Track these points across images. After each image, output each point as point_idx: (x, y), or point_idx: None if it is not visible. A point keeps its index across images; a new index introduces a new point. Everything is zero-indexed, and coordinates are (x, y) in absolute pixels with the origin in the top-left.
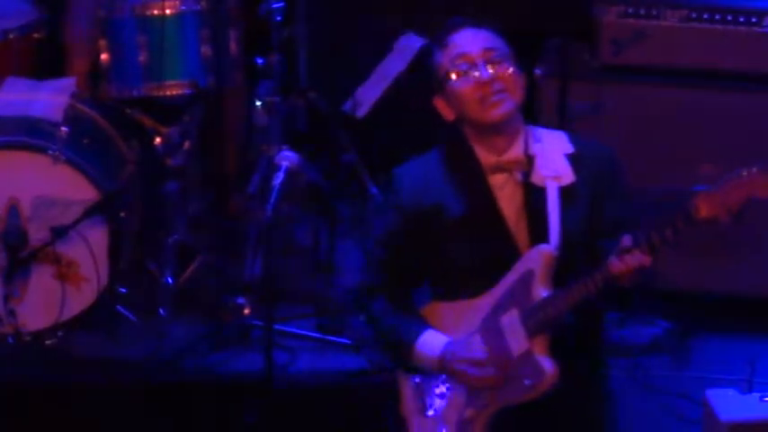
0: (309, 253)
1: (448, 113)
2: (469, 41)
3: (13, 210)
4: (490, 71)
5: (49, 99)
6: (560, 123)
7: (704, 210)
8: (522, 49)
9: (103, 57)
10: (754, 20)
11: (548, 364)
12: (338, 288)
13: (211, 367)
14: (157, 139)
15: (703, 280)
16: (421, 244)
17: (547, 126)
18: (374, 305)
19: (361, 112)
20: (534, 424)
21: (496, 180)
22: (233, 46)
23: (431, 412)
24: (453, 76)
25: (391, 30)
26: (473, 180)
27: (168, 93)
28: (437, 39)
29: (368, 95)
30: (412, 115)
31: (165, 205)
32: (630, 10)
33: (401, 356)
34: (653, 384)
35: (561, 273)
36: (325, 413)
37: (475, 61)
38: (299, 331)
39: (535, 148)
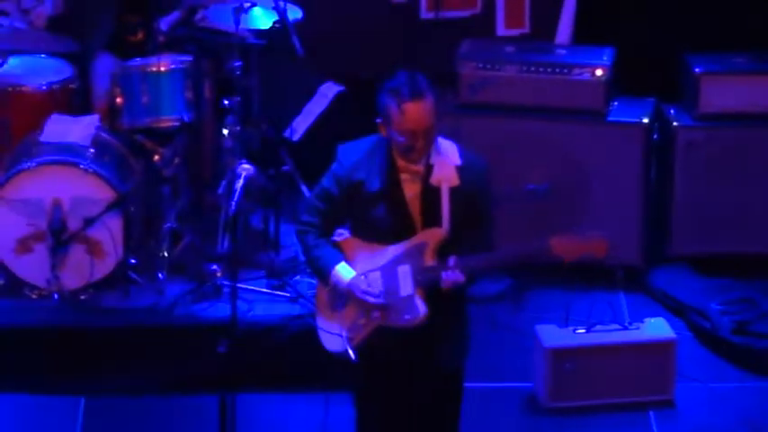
0: (261, 234)
1: (384, 133)
2: (416, 119)
3: (57, 207)
4: (420, 144)
5: (80, 130)
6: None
7: (556, 250)
8: None
9: (118, 100)
10: (564, 71)
11: (422, 308)
12: (281, 259)
13: (194, 314)
14: (156, 157)
15: None
16: (348, 204)
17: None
18: (308, 238)
19: (296, 137)
20: (409, 338)
21: (405, 176)
22: (207, 92)
23: (336, 311)
24: (396, 131)
25: (316, 78)
26: (390, 173)
27: (163, 125)
28: (398, 98)
29: (300, 126)
30: (331, 140)
31: (161, 202)
32: (481, 65)
33: (322, 277)
34: (498, 323)
35: (445, 249)
36: (274, 345)
37: (414, 134)
38: (255, 289)
39: (435, 160)
